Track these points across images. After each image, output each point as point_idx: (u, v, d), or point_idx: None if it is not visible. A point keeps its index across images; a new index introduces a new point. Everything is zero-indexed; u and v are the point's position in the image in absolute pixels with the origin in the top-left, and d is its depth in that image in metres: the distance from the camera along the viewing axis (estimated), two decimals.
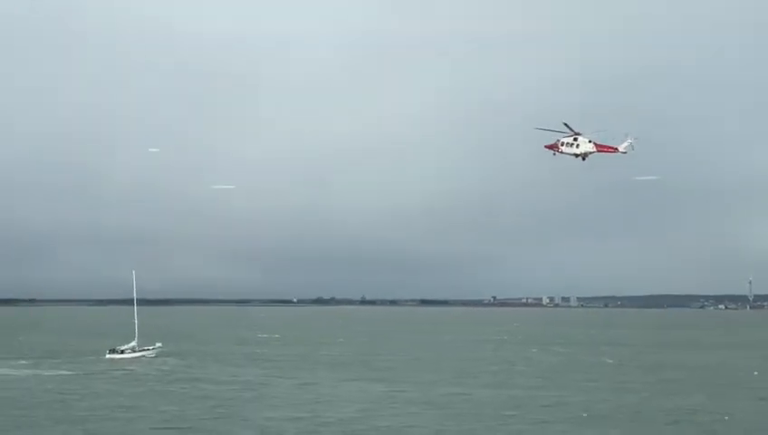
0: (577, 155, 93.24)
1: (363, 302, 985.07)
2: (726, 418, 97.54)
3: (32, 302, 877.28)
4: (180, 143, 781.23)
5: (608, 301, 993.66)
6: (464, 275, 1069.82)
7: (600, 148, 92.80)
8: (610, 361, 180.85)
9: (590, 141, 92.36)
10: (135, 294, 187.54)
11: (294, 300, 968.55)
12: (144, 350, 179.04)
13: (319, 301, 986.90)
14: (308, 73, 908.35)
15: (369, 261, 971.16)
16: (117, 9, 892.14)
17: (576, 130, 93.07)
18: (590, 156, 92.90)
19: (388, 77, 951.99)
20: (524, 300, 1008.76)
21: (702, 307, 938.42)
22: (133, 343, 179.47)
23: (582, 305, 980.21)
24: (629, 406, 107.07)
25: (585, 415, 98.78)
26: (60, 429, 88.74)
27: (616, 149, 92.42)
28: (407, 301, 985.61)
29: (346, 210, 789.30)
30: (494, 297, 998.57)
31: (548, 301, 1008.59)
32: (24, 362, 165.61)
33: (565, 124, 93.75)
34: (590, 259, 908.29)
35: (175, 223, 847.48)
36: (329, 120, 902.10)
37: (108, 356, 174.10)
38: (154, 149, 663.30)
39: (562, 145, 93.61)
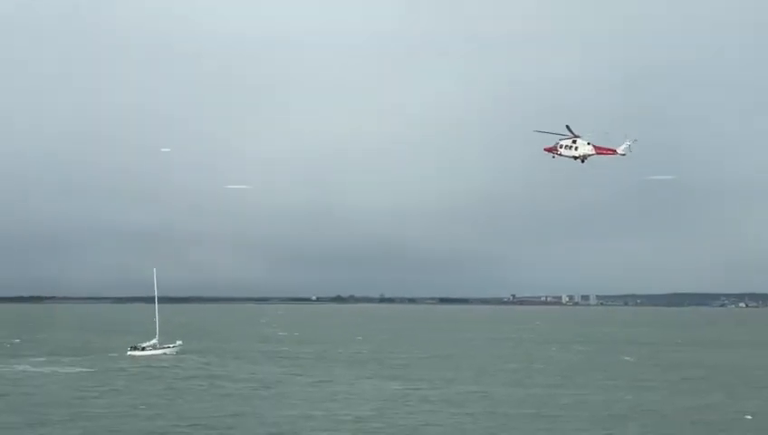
0: (576, 157, 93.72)
1: (382, 300, 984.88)
2: (749, 417, 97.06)
3: (52, 299, 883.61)
4: (194, 142, 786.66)
5: (627, 299, 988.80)
6: (483, 274, 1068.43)
7: (599, 150, 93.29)
8: (629, 358, 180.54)
9: (588, 144, 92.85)
10: (156, 292, 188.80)
11: (313, 298, 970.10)
12: (165, 347, 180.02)
13: (338, 299, 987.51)
14: (326, 73, 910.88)
15: (389, 259, 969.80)
16: (128, 8, 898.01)
17: (576, 133, 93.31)
18: (589, 158, 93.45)
19: (404, 75, 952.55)
20: (543, 298, 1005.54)
21: (723, 305, 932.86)
22: (154, 341, 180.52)
23: (602, 304, 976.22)
24: (648, 405, 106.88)
25: (605, 414, 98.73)
26: (80, 425, 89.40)
27: (615, 151, 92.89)
28: (425, 299, 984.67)
29: (364, 208, 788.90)
30: (514, 295, 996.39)
31: (567, 299, 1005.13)
32: (45, 358, 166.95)
33: (567, 127, 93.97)
34: (609, 257, 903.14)
35: (193, 221, 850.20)
36: (347, 118, 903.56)
37: (129, 353, 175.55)
38: (166, 149, 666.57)
39: (561, 148, 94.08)
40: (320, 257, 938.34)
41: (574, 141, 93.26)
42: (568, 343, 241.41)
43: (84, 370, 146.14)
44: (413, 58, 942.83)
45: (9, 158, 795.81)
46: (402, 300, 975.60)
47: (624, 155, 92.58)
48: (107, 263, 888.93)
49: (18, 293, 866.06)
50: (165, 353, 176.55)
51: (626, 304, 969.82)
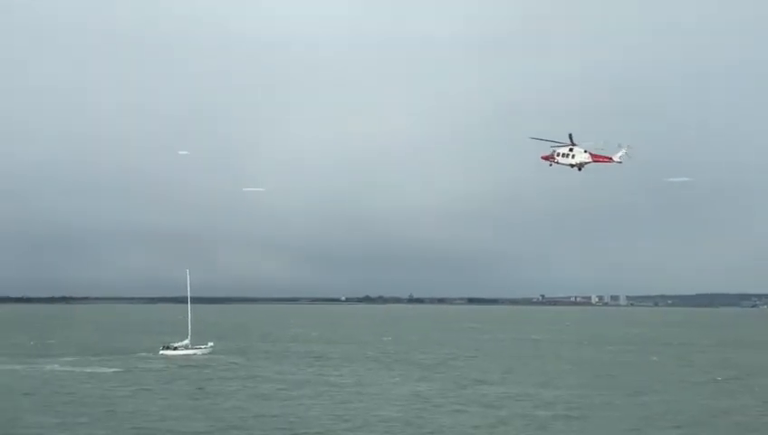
0: (573, 165, 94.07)
1: (411, 300, 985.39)
2: None
3: (84, 300, 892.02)
4: (216, 144, 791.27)
5: (658, 300, 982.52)
6: (512, 274, 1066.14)
7: (596, 158, 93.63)
8: (655, 358, 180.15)
9: (585, 151, 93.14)
10: (189, 293, 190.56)
11: (342, 298, 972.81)
12: (197, 348, 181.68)
13: (366, 299, 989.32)
14: (352, 74, 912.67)
15: (418, 259, 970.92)
16: (149, 7, 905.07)
17: (573, 141, 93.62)
18: (585, 166, 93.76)
19: (427, 76, 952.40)
20: (573, 299, 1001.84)
21: (754, 306, 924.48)
22: (186, 341, 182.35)
23: (632, 304, 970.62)
24: (678, 405, 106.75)
25: (641, 415, 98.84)
26: (111, 425, 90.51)
27: (611, 158, 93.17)
28: (454, 299, 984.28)
29: (393, 209, 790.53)
30: (543, 296, 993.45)
31: (597, 300, 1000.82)
32: (79, 358, 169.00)
33: (570, 136, 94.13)
34: (639, 258, 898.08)
35: (222, 223, 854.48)
36: (377, 119, 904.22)
37: (161, 353, 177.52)
38: (183, 152, 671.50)
39: (558, 156, 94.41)
40: (349, 258, 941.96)
41: (571, 149, 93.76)
42: (598, 343, 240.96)
43: (117, 370, 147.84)
44: (444, 59, 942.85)
45: (38, 160, 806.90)
46: (431, 300, 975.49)
47: (620, 163, 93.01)
48: (136, 264, 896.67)
49: (49, 294, 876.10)
50: (197, 354, 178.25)
51: (656, 304, 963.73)
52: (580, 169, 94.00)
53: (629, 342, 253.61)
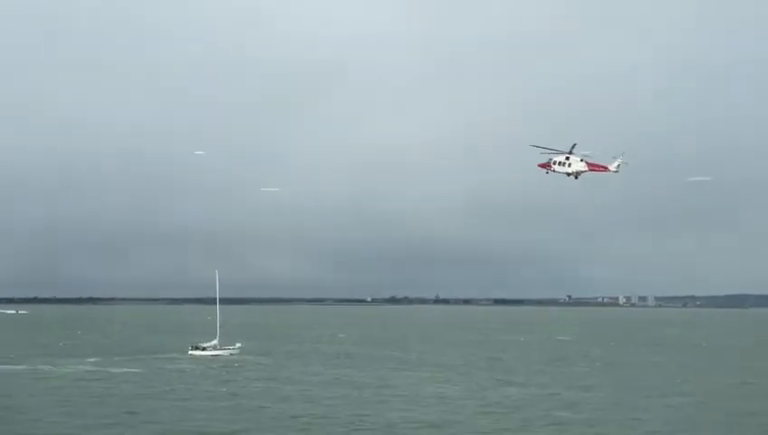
0: (569, 174, 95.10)
1: (437, 301, 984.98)
2: None
3: (110, 301, 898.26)
4: (244, 145, 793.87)
5: (686, 301, 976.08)
6: (538, 274, 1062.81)
7: (592, 167, 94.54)
8: (681, 359, 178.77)
9: (581, 160, 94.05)
10: (218, 294, 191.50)
11: (368, 299, 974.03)
12: (225, 348, 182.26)
13: (392, 300, 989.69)
14: (372, 75, 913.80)
15: (443, 260, 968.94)
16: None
17: (572, 151, 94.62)
18: (582, 175, 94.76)
19: (460, 78, 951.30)
20: (600, 299, 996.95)
21: None
22: (215, 341, 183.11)
23: (660, 305, 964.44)
24: (706, 408, 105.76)
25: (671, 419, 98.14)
26: (140, 426, 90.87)
27: (606, 168, 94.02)
28: (480, 300, 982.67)
29: (420, 209, 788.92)
30: (570, 296, 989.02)
31: (624, 300, 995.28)
32: (108, 359, 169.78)
33: (574, 145, 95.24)
34: (668, 258, 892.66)
35: (249, 223, 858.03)
36: (403, 119, 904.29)
37: (190, 353, 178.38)
38: (199, 152, 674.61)
39: (555, 164, 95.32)
40: (375, 259, 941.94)
41: (567, 158, 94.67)
42: (624, 344, 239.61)
43: (146, 370, 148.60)
44: (469, 60, 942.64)
45: (65, 161, 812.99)
46: (457, 301, 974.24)
47: (617, 172, 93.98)
48: (161, 265, 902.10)
49: (77, 294, 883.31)
50: (226, 354, 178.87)
51: (684, 305, 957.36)
52: (576, 178, 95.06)
53: (660, 343, 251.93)
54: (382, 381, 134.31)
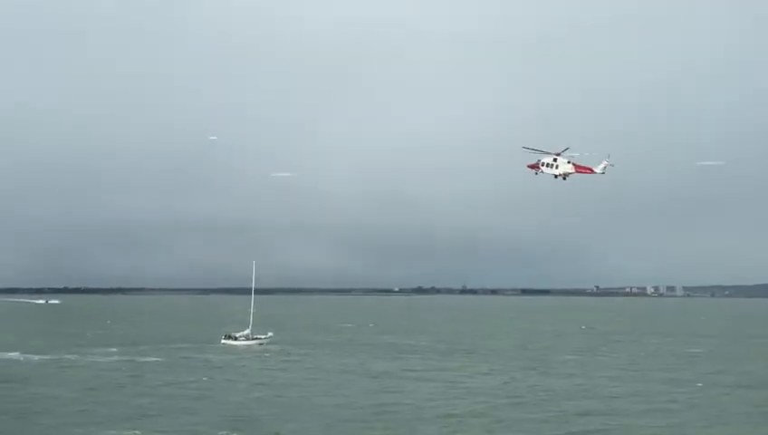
0: (557, 175, 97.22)
1: (463, 291, 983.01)
2: None
3: (139, 291, 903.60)
4: (271, 134, 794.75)
5: (715, 290, 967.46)
6: (566, 264, 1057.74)
7: (579, 168, 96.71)
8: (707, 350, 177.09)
9: (569, 162, 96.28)
10: (254, 284, 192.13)
11: (396, 289, 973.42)
12: (257, 338, 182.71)
13: (419, 290, 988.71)
14: (408, 62, 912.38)
15: (470, 250, 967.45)
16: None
17: (559, 153, 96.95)
18: (570, 176, 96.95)
19: (487, 65, 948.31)
20: (628, 289, 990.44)
21: None
22: (247, 331, 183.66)
23: (688, 295, 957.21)
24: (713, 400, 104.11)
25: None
26: (174, 413, 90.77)
27: (592, 169, 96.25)
28: (507, 290, 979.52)
29: (447, 199, 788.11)
30: (597, 286, 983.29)
31: (652, 290, 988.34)
32: (140, 348, 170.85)
33: (566, 148, 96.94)
34: (696, 247, 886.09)
35: (275, 213, 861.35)
36: (431, 109, 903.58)
37: (223, 342, 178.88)
38: (213, 137, 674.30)
39: (543, 166, 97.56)
40: (401, 249, 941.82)
41: (555, 160, 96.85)
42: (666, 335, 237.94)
43: (180, 358, 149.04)
44: (499, 55, 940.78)
45: (92, 152, 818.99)
46: (484, 291, 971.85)
47: (603, 173, 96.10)
48: (189, 255, 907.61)
49: (105, 285, 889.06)
50: (258, 343, 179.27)
51: (712, 295, 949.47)
52: (564, 179, 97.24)
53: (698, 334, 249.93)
54: (412, 369, 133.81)
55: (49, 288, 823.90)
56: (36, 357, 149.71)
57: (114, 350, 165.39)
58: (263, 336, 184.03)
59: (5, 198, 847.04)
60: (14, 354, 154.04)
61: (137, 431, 78.94)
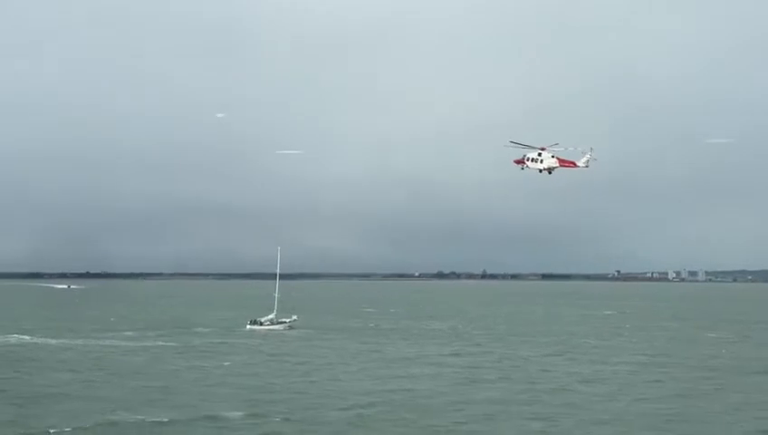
0: (541, 170, 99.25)
1: (484, 276, 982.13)
2: None
3: (158, 275, 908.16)
4: (295, 123, 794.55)
5: (737, 275, 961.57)
6: (587, 249, 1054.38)
7: (562, 163, 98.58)
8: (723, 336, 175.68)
9: (553, 157, 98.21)
10: (278, 270, 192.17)
11: (416, 274, 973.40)
12: (282, 321, 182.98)
13: (439, 275, 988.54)
14: (435, 47, 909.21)
15: (491, 236, 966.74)
16: None
17: (541, 147, 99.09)
18: (555, 170, 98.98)
19: (518, 50, 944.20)
20: (649, 274, 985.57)
21: None
22: (272, 316, 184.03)
23: (710, 280, 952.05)
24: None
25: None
26: (202, 398, 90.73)
27: (575, 163, 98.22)
28: (528, 275, 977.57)
29: (468, 184, 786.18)
30: (618, 271, 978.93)
31: (674, 275, 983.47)
32: (166, 331, 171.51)
33: (555, 144, 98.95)
34: (718, 232, 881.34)
35: (294, 199, 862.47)
36: (451, 95, 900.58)
37: (248, 327, 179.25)
38: (220, 115, 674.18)
39: (528, 160, 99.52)
40: (422, 234, 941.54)
41: (539, 154, 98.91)
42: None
43: (209, 342, 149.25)
44: (532, 34, 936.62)
45: (117, 137, 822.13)
46: (504, 276, 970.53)
47: (587, 167, 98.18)
48: (207, 241, 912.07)
49: (128, 269, 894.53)
50: (283, 327, 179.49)
51: (735, 280, 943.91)
52: (550, 173, 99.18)
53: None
54: (443, 354, 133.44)
55: (72, 273, 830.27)
56: (53, 341, 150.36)
57: (134, 334, 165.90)
58: (287, 320, 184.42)
59: (31, 184, 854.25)
60: (27, 338, 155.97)
61: (151, 417, 78.67)
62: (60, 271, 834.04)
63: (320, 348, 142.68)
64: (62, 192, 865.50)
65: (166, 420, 77.25)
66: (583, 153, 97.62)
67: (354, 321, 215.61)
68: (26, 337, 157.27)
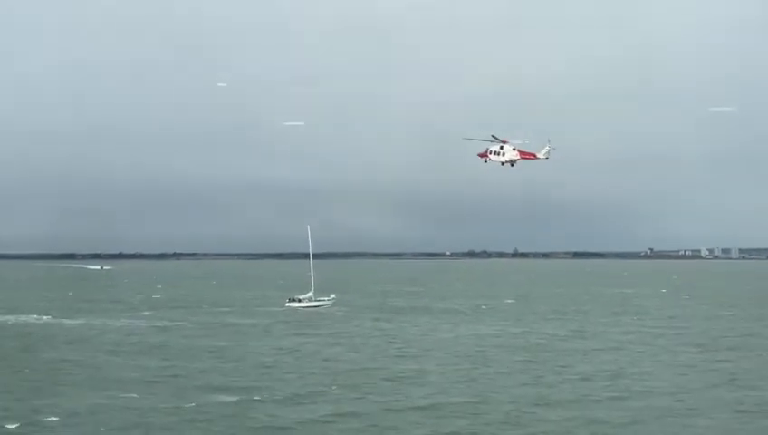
0: (503, 163, 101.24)
1: (515, 255, 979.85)
2: None
3: (192, 256, 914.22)
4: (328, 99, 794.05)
5: None
6: (619, 227, 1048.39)
7: (523, 155, 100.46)
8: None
9: (514, 149, 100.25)
10: (311, 249, 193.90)
11: (447, 253, 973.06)
12: (320, 300, 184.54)
13: (470, 254, 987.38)
14: (474, 18, 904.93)
15: (522, 214, 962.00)
16: None
17: (503, 139, 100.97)
18: (517, 162, 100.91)
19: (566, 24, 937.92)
20: (682, 252, 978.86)
21: None
22: (310, 294, 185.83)
23: (744, 257, 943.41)
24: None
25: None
26: (246, 371, 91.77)
27: (535, 155, 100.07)
28: (559, 254, 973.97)
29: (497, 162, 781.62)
30: (651, 249, 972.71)
31: (707, 253, 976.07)
32: (212, 308, 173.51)
33: (493, 136, 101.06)
34: (753, 208, 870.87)
35: (326, 178, 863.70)
36: (483, 69, 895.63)
37: (288, 305, 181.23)
38: (222, 84, 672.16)
39: (491, 153, 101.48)
40: (453, 212, 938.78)
41: (501, 147, 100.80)
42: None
43: (253, 321, 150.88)
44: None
45: (150, 116, 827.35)
46: (536, 255, 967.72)
47: (547, 158, 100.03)
48: (242, 221, 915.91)
49: (161, 250, 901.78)
50: (321, 305, 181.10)
51: None
52: (512, 165, 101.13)
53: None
54: (475, 331, 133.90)
55: (106, 253, 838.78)
56: (69, 321, 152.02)
57: (177, 313, 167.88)
58: (325, 298, 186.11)
59: (66, 164, 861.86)
60: (48, 318, 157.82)
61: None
62: (94, 251, 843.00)
63: (360, 326, 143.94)
64: (94, 172, 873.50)
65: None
66: (543, 145, 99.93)
67: (397, 300, 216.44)
68: (46, 317, 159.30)
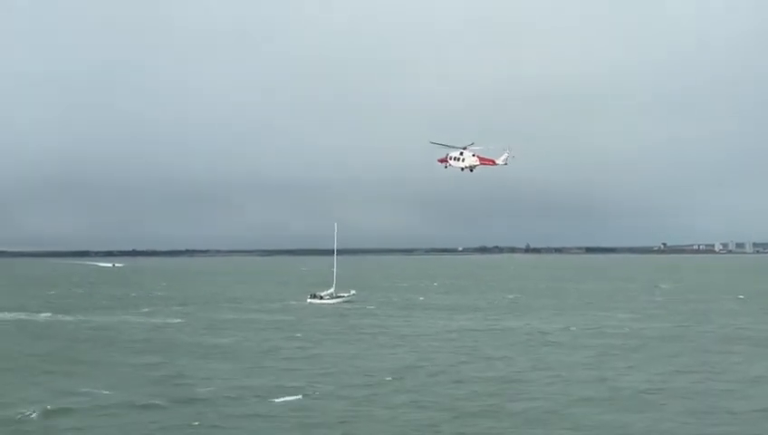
0: (463, 168, 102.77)
1: (527, 250, 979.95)
2: None
3: (205, 253, 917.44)
4: (345, 95, 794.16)
5: None
6: (632, 222, 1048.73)
7: (483, 161, 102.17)
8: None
9: (473, 155, 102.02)
10: (336, 246, 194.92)
11: (459, 248, 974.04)
12: (340, 296, 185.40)
13: (482, 249, 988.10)
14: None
15: (535, 209, 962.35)
16: None
17: (463, 146, 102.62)
18: (476, 168, 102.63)
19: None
20: (696, 247, 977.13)
21: None
22: (331, 290, 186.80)
23: (758, 252, 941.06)
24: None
25: None
26: (269, 364, 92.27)
27: (494, 161, 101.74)
28: (572, 248, 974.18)
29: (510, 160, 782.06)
30: (664, 244, 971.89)
31: (721, 247, 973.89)
32: (235, 306, 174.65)
33: (472, 143, 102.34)
34: (766, 203, 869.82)
35: (336, 174, 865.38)
36: (500, 65, 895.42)
37: (309, 301, 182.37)
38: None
39: (451, 159, 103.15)
40: (465, 208, 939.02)
41: (461, 153, 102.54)
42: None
43: (278, 317, 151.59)
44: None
45: (163, 117, 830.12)
46: (548, 250, 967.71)
47: (506, 165, 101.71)
48: (254, 218, 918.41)
49: (174, 247, 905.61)
50: (342, 301, 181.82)
51: None
52: (471, 171, 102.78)
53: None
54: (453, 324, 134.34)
55: (119, 251, 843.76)
56: (68, 317, 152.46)
57: (186, 309, 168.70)
58: (346, 294, 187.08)
59: (81, 162, 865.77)
60: (47, 315, 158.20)
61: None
62: (107, 249, 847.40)
63: (378, 317, 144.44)
64: (109, 171, 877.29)
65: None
66: (503, 150, 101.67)
67: (417, 295, 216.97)
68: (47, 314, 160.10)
